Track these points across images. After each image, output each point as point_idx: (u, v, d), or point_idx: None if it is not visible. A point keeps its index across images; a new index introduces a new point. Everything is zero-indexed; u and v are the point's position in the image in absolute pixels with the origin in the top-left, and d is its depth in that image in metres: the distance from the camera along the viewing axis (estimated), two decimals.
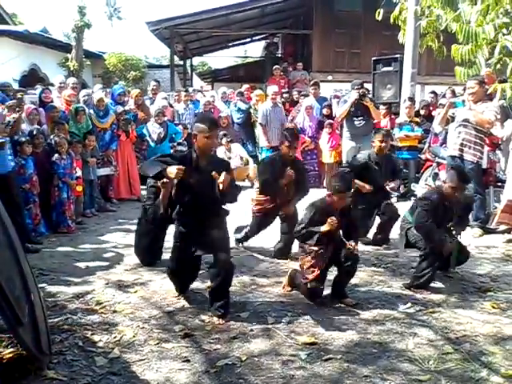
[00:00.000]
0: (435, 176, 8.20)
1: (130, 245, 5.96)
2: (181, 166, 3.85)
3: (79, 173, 7.24)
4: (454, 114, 7.02)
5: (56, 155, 6.79)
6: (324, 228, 4.21)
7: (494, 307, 4.34)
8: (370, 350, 3.54)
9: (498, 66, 7.31)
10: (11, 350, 3.31)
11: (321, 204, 4.44)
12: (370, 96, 9.21)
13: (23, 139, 6.36)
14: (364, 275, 5.03)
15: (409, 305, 4.35)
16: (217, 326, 3.90)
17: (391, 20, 8.70)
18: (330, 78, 15.58)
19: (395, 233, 6.53)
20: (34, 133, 6.66)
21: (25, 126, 6.74)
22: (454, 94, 9.91)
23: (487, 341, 3.71)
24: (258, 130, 10.51)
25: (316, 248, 4.28)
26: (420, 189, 8.53)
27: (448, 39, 8.15)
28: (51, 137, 7.07)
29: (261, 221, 5.80)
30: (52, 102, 8.18)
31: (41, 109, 7.58)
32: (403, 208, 8.44)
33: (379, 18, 8.41)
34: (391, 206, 6.24)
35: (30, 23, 20.86)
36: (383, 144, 6.08)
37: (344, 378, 3.18)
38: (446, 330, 3.88)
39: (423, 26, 7.85)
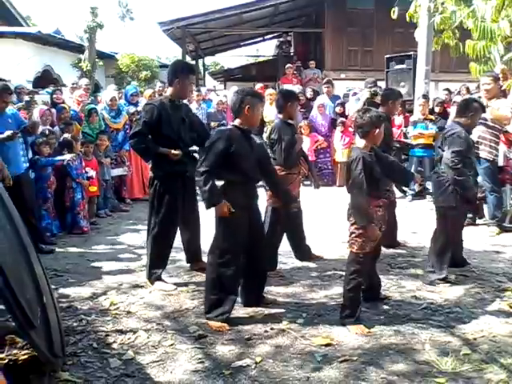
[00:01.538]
0: None
1: (143, 245, 5.98)
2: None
3: (92, 173, 7.26)
4: None
5: (66, 156, 6.79)
6: None
7: (511, 307, 4.27)
8: (386, 352, 3.50)
9: None
10: (26, 351, 3.31)
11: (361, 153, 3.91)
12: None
13: (40, 140, 6.40)
14: (379, 275, 4.96)
15: (425, 305, 4.30)
16: (231, 328, 3.88)
17: (407, 18, 8.60)
18: (343, 76, 15.52)
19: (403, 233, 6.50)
20: (47, 133, 6.69)
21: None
22: (468, 91, 9.81)
23: (506, 342, 3.64)
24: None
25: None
26: None
27: (463, 36, 8.06)
28: (62, 137, 7.10)
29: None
30: (63, 102, 8.22)
31: (53, 109, 7.62)
32: (418, 207, 8.41)
33: (394, 17, 8.32)
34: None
35: (44, 25, 21.04)
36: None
37: (360, 380, 3.14)
38: (463, 331, 3.82)
39: (437, 22, 7.75)
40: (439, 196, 4.91)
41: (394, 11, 8.36)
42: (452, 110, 8.53)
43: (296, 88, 11.13)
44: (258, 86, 12.15)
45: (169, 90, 4.90)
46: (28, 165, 6.09)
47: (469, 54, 6.57)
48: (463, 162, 4.76)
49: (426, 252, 5.84)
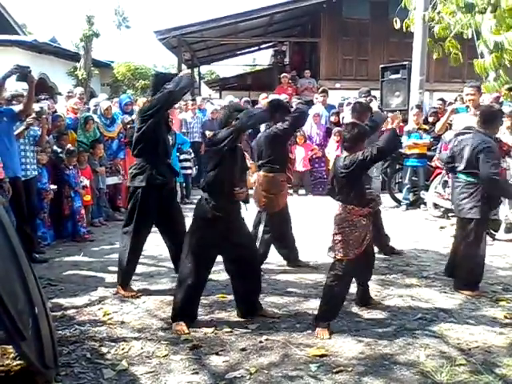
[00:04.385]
0: (445, 183, 8.13)
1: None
2: None
3: (86, 182, 7.24)
4: (451, 120, 6.98)
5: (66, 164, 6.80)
6: None
7: (506, 317, 4.27)
8: (381, 362, 3.49)
9: None
10: (19, 362, 3.28)
11: None
12: (378, 104, 9.17)
13: (39, 148, 6.39)
14: (374, 285, 4.96)
15: (420, 315, 4.29)
16: (225, 338, 3.86)
17: (404, 27, 8.60)
18: (337, 85, 15.57)
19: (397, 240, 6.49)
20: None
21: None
22: (463, 101, 9.85)
23: (500, 352, 3.64)
24: None
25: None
26: (429, 196, 8.46)
27: (462, 45, 8.02)
28: (55, 147, 7.09)
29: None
30: (56, 111, 8.23)
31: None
32: (412, 217, 8.43)
33: (397, 27, 8.30)
34: None
35: (39, 33, 21.04)
36: None
37: None
38: (458, 341, 3.82)
39: (437, 31, 7.72)
40: (465, 207, 4.82)
41: (395, 20, 8.34)
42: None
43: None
44: (262, 96, 11.99)
45: None
46: (36, 173, 6.11)
47: (479, 73, 6.45)
48: None
49: (420, 261, 5.87)
